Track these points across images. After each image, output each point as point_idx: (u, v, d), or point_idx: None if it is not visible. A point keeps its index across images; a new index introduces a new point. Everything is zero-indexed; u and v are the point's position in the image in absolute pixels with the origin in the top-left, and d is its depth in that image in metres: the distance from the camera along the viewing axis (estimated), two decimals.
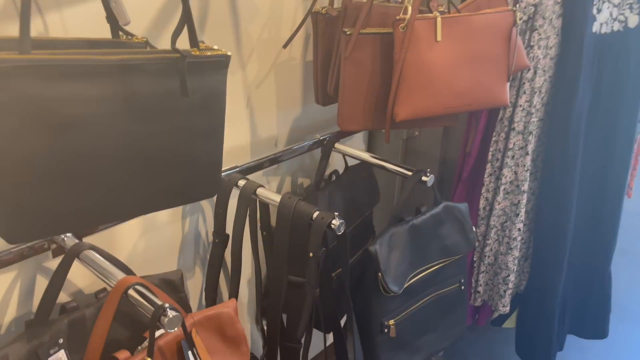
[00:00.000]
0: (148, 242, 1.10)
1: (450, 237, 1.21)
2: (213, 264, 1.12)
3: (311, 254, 0.93)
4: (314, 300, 0.96)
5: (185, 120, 0.62)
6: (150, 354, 0.69)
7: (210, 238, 1.10)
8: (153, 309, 0.70)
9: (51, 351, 0.81)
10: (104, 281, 0.78)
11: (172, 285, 0.96)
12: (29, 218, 0.56)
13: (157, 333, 0.79)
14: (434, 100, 1.01)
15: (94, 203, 0.60)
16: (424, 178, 1.14)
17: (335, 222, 0.91)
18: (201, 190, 0.70)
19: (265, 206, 1.09)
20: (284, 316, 1.06)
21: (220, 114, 0.66)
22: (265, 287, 1.32)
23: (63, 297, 0.97)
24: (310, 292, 0.95)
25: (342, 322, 1.23)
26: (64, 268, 0.82)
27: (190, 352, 0.80)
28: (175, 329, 0.70)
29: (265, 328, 1.29)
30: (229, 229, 1.09)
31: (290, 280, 0.98)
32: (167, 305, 0.69)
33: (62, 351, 0.83)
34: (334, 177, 1.32)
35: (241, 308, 1.41)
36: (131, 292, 0.74)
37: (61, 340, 0.83)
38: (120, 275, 0.77)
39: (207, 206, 1.20)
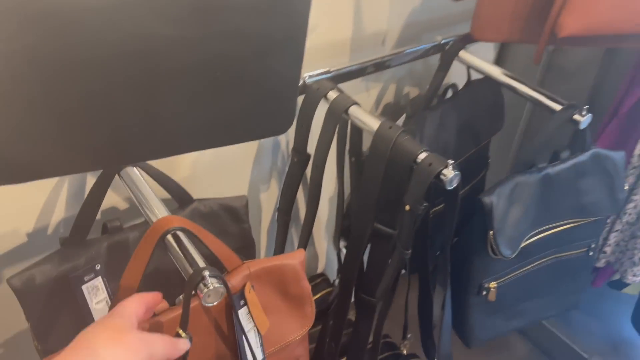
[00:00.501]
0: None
1: (591, 194, 0.93)
2: (289, 184, 0.94)
3: (408, 207, 0.71)
4: (402, 263, 0.76)
5: (244, 23, 0.40)
6: (183, 326, 0.54)
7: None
8: (191, 272, 0.53)
9: (86, 278, 0.69)
10: (143, 215, 0.62)
11: (234, 214, 0.79)
12: (6, 155, 0.39)
13: None
14: (623, 12, 0.68)
15: (105, 136, 0.41)
16: (576, 117, 0.85)
17: (447, 172, 0.67)
18: (267, 123, 0.49)
19: (357, 128, 0.87)
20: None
21: (300, 17, 0.42)
22: (347, 209, 1.14)
23: (117, 201, 0.84)
24: (399, 252, 0.75)
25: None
26: (102, 185, 0.67)
27: (239, 312, 0.64)
28: (215, 302, 0.53)
29: (342, 249, 1.14)
30: (312, 148, 0.88)
31: (377, 229, 0.78)
32: (207, 272, 0.52)
33: (99, 278, 0.71)
34: (450, 93, 1.05)
35: (319, 226, 1.25)
36: (170, 239, 0.57)
37: (98, 267, 0.71)
38: (159, 212, 0.61)
39: None
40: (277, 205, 0.99)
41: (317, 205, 0.91)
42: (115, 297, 0.58)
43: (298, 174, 0.92)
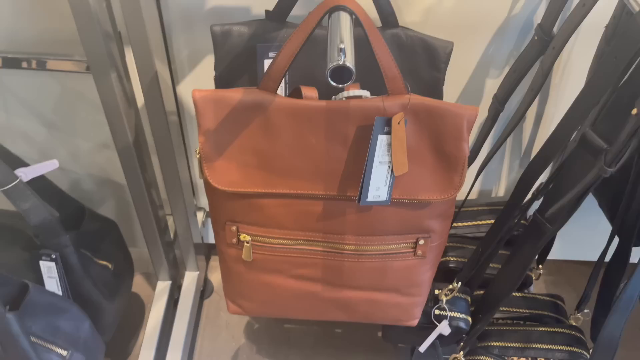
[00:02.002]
0: None
1: None
2: (516, 68, 0.80)
3: (635, 111, 0.53)
4: (594, 181, 0.59)
5: None
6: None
7: None
8: (334, 55, 0.48)
9: (271, 53, 0.72)
10: None
11: (433, 57, 0.71)
12: None
13: (351, 92, 0.60)
14: None
15: None
16: None
17: None
18: None
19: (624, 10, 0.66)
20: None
21: None
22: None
23: None
24: (599, 167, 0.58)
25: None
26: None
27: (379, 139, 0.59)
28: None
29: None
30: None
31: (587, 135, 0.61)
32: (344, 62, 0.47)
33: None
34: None
35: None
36: (335, 17, 0.53)
37: None
38: None
39: None
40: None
41: (533, 98, 0.76)
42: (267, 71, 0.59)
43: (532, 56, 0.77)
